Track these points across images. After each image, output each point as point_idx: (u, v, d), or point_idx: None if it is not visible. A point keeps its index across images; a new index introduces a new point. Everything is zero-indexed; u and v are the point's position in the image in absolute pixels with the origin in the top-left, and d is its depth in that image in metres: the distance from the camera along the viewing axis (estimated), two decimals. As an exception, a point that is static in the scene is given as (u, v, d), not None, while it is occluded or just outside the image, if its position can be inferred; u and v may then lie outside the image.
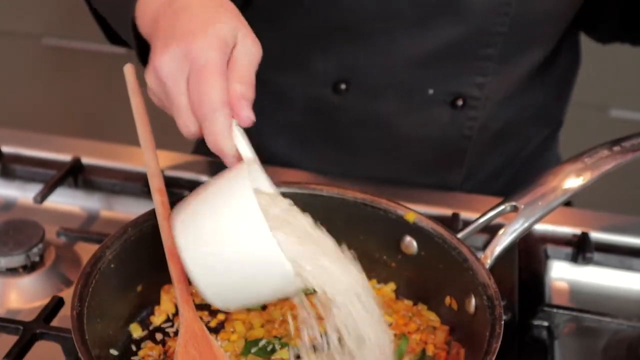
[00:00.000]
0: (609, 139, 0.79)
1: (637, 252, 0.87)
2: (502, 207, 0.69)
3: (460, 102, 0.91)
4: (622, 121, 2.33)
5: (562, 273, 0.88)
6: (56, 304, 0.73)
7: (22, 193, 0.97)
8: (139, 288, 0.69)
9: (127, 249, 0.66)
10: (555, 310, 0.76)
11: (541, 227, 0.90)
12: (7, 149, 0.98)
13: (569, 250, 0.87)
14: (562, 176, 0.70)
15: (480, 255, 0.66)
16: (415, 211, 0.70)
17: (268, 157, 0.97)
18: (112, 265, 0.64)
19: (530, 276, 0.83)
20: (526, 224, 0.67)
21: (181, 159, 0.99)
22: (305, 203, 0.72)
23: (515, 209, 0.68)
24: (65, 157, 0.97)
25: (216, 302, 0.57)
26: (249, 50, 0.62)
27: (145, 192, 0.91)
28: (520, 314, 0.78)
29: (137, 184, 0.94)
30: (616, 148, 0.72)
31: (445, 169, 0.98)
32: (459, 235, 0.68)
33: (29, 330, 0.70)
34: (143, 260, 0.68)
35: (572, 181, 0.69)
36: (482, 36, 0.87)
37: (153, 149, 0.71)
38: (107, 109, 2.36)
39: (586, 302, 0.83)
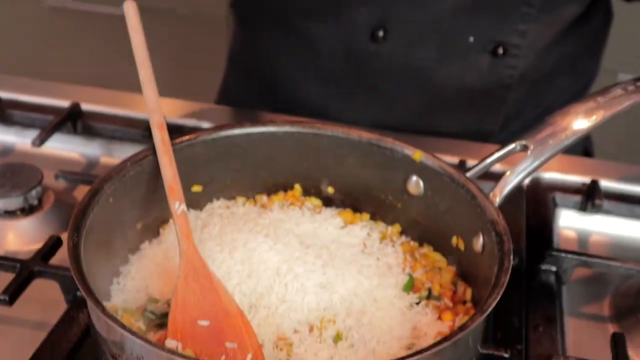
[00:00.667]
0: (629, 123, 0.77)
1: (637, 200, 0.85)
2: (512, 146, 0.67)
3: (500, 51, 0.90)
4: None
5: (570, 222, 0.86)
6: (54, 243, 0.72)
7: (20, 139, 0.95)
8: (139, 225, 0.67)
9: (126, 184, 0.64)
10: (563, 254, 0.75)
11: (550, 175, 0.88)
12: (5, 95, 0.96)
13: (578, 198, 0.86)
14: (573, 115, 0.68)
15: (489, 194, 0.64)
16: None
17: (303, 108, 0.95)
18: (111, 200, 0.62)
19: (538, 223, 0.82)
20: (536, 163, 0.66)
21: (204, 108, 0.98)
22: (309, 142, 0.71)
23: (525, 148, 0.66)
24: (64, 103, 0.95)
25: None
26: None
27: (146, 137, 0.89)
28: (527, 260, 0.76)
29: (137, 130, 0.92)
30: (630, 87, 0.70)
31: (482, 119, 0.96)
32: (468, 174, 0.66)
33: (26, 268, 0.68)
34: (143, 197, 0.66)
35: (583, 121, 0.67)
36: None
37: (153, 86, 0.69)
38: (108, 58, 2.35)
39: (594, 251, 0.81)
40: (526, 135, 0.67)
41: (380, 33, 0.91)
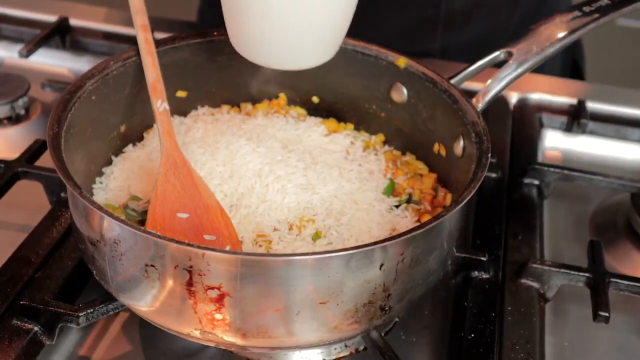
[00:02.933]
0: (616, 47, 0.76)
1: (632, 122, 0.86)
2: (496, 54, 0.67)
3: None
4: (629, 29, 2.29)
5: (556, 142, 0.86)
6: (39, 147, 0.72)
7: (8, 53, 0.95)
8: (122, 128, 0.67)
9: (109, 83, 0.64)
10: (545, 168, 0.75)
11: (537, 96, 0.88)
12: (-5, 8, 0.96)
13: (564, 119, 0.86)
14: (558, 23, 0.67)
15: (472, 100, 0.64)
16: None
17: None
18: (93, 97, 0.62)
19: (523, 141, 0.82)
20: (519, 70, 0.65)
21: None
22: (294, 50, 0.70)
23: (509, 55, 0.66)
24: (53, 17, 0.94)
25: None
26: None
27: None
28: (511, 174, 0.76)
29: (125, 46, 0.92)
30: (615, -3, 0.69)
31: (422, 34, 0.95)
32: (452, 80, 0.66)
33: (11, 169, 0.69)
34: (126, 99, 0.66)
35: (569, 28, 0.67)
36: None
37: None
38: None
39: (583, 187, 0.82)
40: (510, 43, 0.67)
41: None
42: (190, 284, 0.49)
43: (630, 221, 0.73)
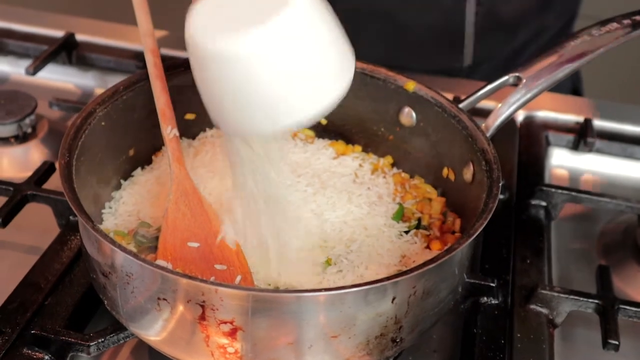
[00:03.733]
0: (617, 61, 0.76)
1: (639, 140, 0.86)
2: (504, 78, 0.67)
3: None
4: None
5: (562, 160, 0.87)
6: (47, 169, 0.72)
7: (15, 68, 0.95)
8: (131, 152, 0.67)
9: (119, 107, 0.64)
10: (553, 190, 0.75)
11: (543, 114, 0.88)
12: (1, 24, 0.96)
13: (570, 137, 0.86)
14: (568, 49, 0.67)
15: (481, 125, 0.64)
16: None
17: None
18: (103, 123, 0.62)
19: (530, 160, 0.82)
20: (528, 95, 0.65)
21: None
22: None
23: (518, 79, 0.66)
24: (59, 33, 0.94)
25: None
26: None
27: (140, 68, 0.89)
28: (518, 195, 0.76)
29: (131, 62, 0.92)
30: (626, 21, 0.69)
31: (447, 56, 0.95)
32: (461, 105, 0.66)
33: (19, 192, 0.69)
34: (135, 123, 0.66)
35: (579, 53, 0.67)
36: None
37: (146, 12, 0.68)
38: None
39: (585, 189, 0.82)
40: (519, 68, 0.66)
41: None
42: (202, 317, 0.49)
43: (637, 242, 0.74)
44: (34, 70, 0.87)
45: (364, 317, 0.50)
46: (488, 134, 0.63)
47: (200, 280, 0.48)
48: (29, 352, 0.57)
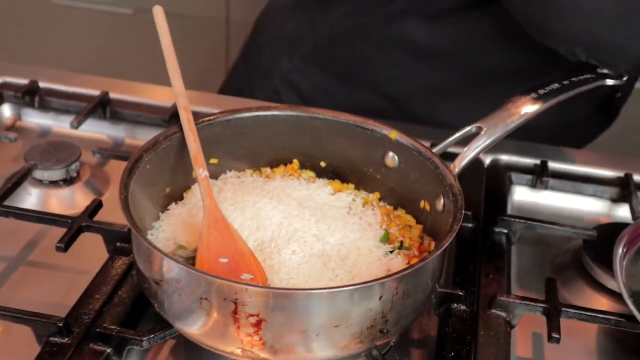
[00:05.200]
0: None
1: (586, 179, 1.02)
2: (469, 128, 0.83)
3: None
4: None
5: (523, 196, 1.03)
6: (97, 205, 0.88)
7: (56, 122, 1.10)
8: (168, 190, 0.83)
9: (159, 154, 0.80)
10: (512, 219, 0.91)
11: (506, 157, 1.04)
12: (43, 84, 1.12)
13: (529, 177, 1.02)
14: (519, 103, 0.84)
15: (450, 165, 0.80)
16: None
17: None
18: (148, 166, 0.78)
19: (495, 196, 0.98)
20: (488, 141, 0.82)
21: (207, 97, 1.13)
22: (306, 124, 0.87)
23: (480, 129, 0.83)
24: (95, 92, 1.10)
25: None
26: None
27: (165, 122, 1.05)
28: (484, 224, 0.92)
29: (157, 116, 1.08)
30: (566, 82, 0.86)
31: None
32: (434, 149, 0.82)
33: (76, 223, 0.84)
34: (171, 166, 0.82)
35: (528, 108, 0.84)
36: None
37: (179, 76, 0.85)
38: (129, 52, 2.55)
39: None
40: (480, 120, 0.83)
41: None
42: (235, 312, 0.64)
43: (582, 262, 0.89)
44: (77, 124, 1.03)
45: (358, 310, 0.65)
46: (455, 173, 0.79)
47: (234, 282, 0.63)
48: (94, 346, 0.71)
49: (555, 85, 0.86)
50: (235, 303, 0.64)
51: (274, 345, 0.66)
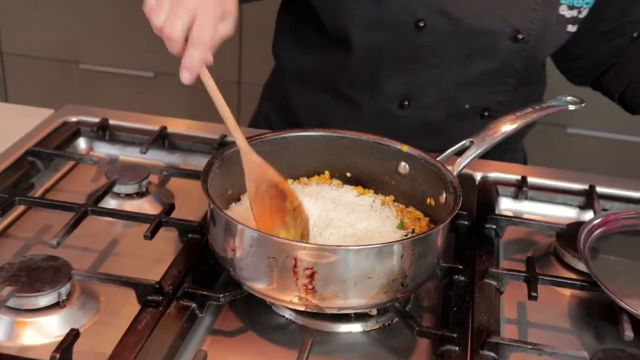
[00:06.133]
0: (567, 151, 1.17)
1: (558, 190, 1.26)
2: (463, 142, 1.07)
3: (486, 113, 1.31)
4: (577, 136, 2.74)
5: (507, 205, 1.26)
6: (170, 207, 1.11)
7: (122, 152, 1.34)
8: (229, 192, 1.06)
9: (224, 163, 1.03)
10: (499, 217, 1.15)
11: (494, 175, 1.28)
12: (113, 122, 1.36)
13: (512, 189, 1.26)
14: (501, 124, 1.08)
15: (449, 169, 1.04)
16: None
17: None
18: (217, 171, 1.01)
19: (485, 202, 1.21)
20: (478, 151, 1.06)
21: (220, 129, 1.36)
22: (334, 143, 1.11)
23: (472, 142, 1.07)
24: (153, 128, 1.34)
25: None
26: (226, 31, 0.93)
27: (214, 149, 1.29)
28: (477, 223, 1.16)
29: (206, 146, 1.31)
30: (537, 107, 1.11)
31: None
32: (438, 158, 1.06)
33: (157, 219, 1.07)
34: (232, 173, 1.05)
35: (508, 126, 1.08)
36: (506, 69, 1.26)
37: (229, 111, 1.04)
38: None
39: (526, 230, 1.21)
40: (473, 136, 1.07)
41: (406, 103, 1.31)
42: (295, 267, 0.87)
43: (556, 251, 1.12)
44: (146, 150, 1.27)
45: (386, 265, 0.88)
46: (454, 174, 1.03)
47: (295, 242, 0.86)
48: (182, 302, 0.94)
49: (529, 109, 1.10)
50: (295, 259, 0.87)
51: (323, 293, 0.88)
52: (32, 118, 1.37)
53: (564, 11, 1.25)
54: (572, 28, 1.28)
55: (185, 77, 0.90)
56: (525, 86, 1.33)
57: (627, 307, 0.93)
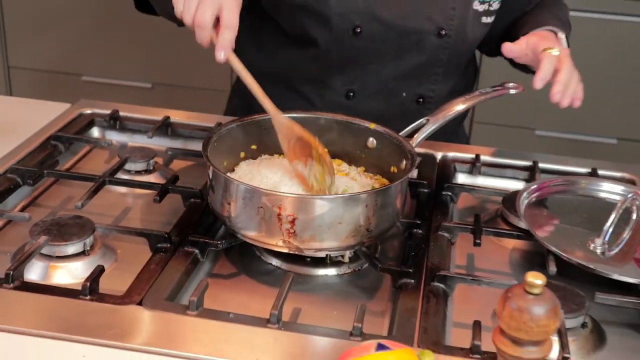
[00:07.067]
0: (557, 161, 1.41)
1: (506, 166, 1.47)
2: (421, 120, 1.28)
3: (421, 100, 1.52)
4: (544, 138, 2.96)
5: (464, 180, 1.47)
6: (174, 178, 1.31)
7: (131, 139, 1.54)
8: (224, 163, 1.26)
9: (220, 138, 1.23)
10: (454, 185, 1.36)
11: (452, 154, 1.49)
12: (122, 113, 1.56)
13: (468, 166, 1.47)
14: (453, 104, 1.30)
15: (409, 141, 1.25)
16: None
17: None
18: (215, 144, 1.21)
19: (444, 176, 1.42)
20: (432, 127, 1.27)
21: (215, 119, 1.58)
22: (313, 124, 1.31)
23: (427, 120, 1.28)
24: (159, 117, 1.55)
25: None
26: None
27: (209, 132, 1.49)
28: (436, 190, 1.36)
29: (204, 132, 1.51)
30: (483, 90, 1.32)
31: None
32: (400, 134, 1.26)
33: (164, 186, 1.27)
34: (227, 148, 1.25)
35: (459, 106, 1.29)
36: (434, 61, 1.47)
37: (256, 84, 1.21)
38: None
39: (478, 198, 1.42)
40: (429, 115, 1.28)
41: (351, 94, 1.52)
42: (279, 214, 1.07)
43: (502, 213, 1.33)
44: (152, 135, 1.47)
45: (353, 213, 1.08)
46: (413, 145, 1.24)
47: (279, 193, 1.07)
48: (186, 248, 1.14)
49: (476, 92, 1.31)
50: (280, 207, 1.07)
51: (302, 235, 1.08)
52: (51, 112, 1.57)
53: (477, 6, 1.47)
54: (486, 19, 1.50)
55: (220, 55, 1.10)
56: (453, 75, 1.54)
57: (553, 248, 1.14)
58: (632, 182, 1.42)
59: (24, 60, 3.20)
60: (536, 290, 0.76)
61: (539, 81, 1.27)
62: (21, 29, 3.15)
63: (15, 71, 3.22)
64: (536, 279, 0.76)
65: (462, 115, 1.66)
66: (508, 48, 1.33)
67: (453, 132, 1.67)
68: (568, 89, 1.29)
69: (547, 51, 1.30)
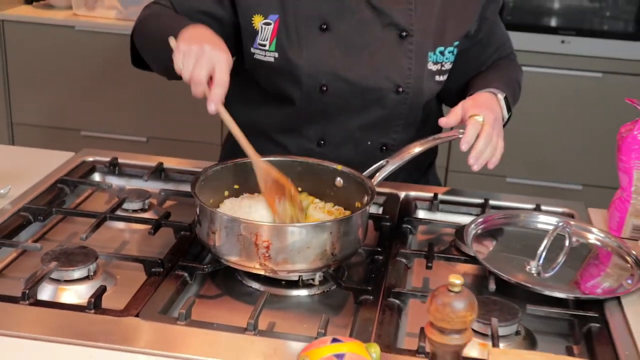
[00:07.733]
0: (506, 199, 1.60)
1: (461, 204, 1.66)
2: (381, 162, 1.48)
3: (384, 148, 1.72)
4: (515, 184, 3.17)
5: (424, 215, 1.66)
6: (167, 214, 1.49)
7: (128, 183, 1.73)
8: (210, 200, 1.45)
9: (207, 179, 1.42)
10: (414, 219, 1.55)
11: (414, 193, 1.68)
12: (121, 160, 1.76)
13: (427, 203, 1.66)
14: (410, 147, 1.49)
15: (370, 181, 1.44)
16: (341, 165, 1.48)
17: None
18: (202, 183, 1.40)
19: (406, 212, 1.61)
20: (391, 168, 1.46)
21: (204, 164, 1.77)
22: (286, 166, 1.50)
23: (387, 162, 1.47)
24: (153, 163, 1.74)
25: None
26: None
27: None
28: (397, 224, 1.55)
29: (193, 176, 1.70)
30: (435, 136, 1.52)
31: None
32: (363, 174, 1.46)
33: (158, 221, 1.45)
34: (212, 187, 1.44)
35: (416, 149, 1.49)
36: (394, 114, 1.68)
37: (240, 133, 1.42)
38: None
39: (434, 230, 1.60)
40: (388, 157, 1.48)
41: (322, 142, 1.72)
42: (256, 240, 1.26)
43: (455, 243, 1.52)
44: (148, 179, 1.66)
45: (320, 239, 1.27)
46: (374, 184, 1.43)
47: (255, 222, 1.25)
48: (177, 272, 1.32)
49: (430, 138, 1.51)
50: (257, 235, 1.25)
51: (276, 259, 1.27)
52: (54, 160, 1.76)
53: (431, 66, 1.66)
54: (439, 78, 1.70)
55: (211, 107, 1.31)
56: (413, 125, 1.72)
57: (493, 269, 1.32)
58: (571, 216, 1.61)
59: (26, 117, 3.41)
60: (456, 289, 0.94)
61: (463, 144, 1.47)
62: (24, 87, 3.36)
63: (18, 127, 3.42)
64: (456, 279, 0.94)
65: (428, 161, 1.87)
66: (444, 122, 1.54)
67: (423, 178, 1.86)
68: (483, 155, 1.48)
69: (473, 117, 1.50)
